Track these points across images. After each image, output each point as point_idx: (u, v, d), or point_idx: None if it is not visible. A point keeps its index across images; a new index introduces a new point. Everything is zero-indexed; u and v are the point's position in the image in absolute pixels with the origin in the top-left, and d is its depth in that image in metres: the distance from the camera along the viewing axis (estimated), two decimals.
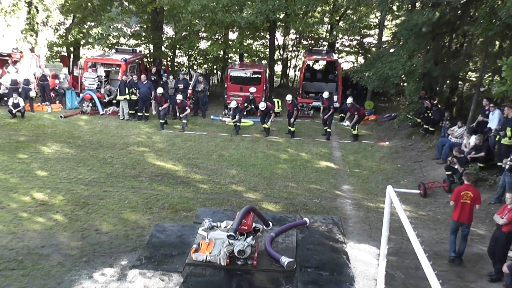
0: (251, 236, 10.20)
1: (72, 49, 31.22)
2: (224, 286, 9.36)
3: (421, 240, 5.30)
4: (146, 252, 10.30)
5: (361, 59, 33.81)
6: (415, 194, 14.32)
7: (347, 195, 14.56)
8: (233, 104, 21.01)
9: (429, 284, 4.83)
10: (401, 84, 22.63)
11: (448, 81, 22.68)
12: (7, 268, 9.50)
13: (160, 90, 21.69)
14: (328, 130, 21.13)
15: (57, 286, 8.98)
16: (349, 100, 21.25)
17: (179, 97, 21.16)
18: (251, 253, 9.88)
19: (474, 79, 22.71)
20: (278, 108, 24.58)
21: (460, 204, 10.58)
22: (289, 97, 21.07)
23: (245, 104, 23.59)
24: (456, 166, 14.78)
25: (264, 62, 31.86)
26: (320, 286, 9.33)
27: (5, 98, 22.88)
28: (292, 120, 21.07)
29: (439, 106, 20.55)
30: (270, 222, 11.76)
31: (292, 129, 21.12)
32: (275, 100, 25.02)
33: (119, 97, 22.54)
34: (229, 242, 9.82)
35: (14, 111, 21.25)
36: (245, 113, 23.49)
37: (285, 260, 9.75)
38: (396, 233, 11.31)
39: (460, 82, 23.27)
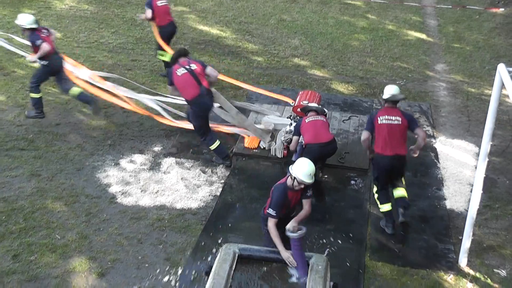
0: None
1: None
2: None
3: None
4: (184, 138, 10.38)
5: None
6: None
7: (441, 77, 14.14)
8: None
9: None
10: None
11: None
12: (15, 147, 9.71)
13: None
14: None
15: (76, 173, 9.12)
16: None
17: None
18: None
19: None
20: None
21: None
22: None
23: None
24: None
25: None
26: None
27: None
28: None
29: None
30: None
31: None
32: None
33: None
34: (289, 128, 9.62)
35: None
36: None
37: None
38: (504, 128, 11.00)
39: None
